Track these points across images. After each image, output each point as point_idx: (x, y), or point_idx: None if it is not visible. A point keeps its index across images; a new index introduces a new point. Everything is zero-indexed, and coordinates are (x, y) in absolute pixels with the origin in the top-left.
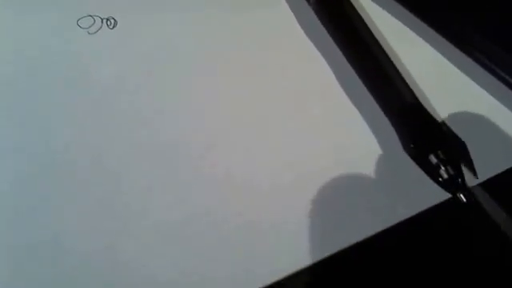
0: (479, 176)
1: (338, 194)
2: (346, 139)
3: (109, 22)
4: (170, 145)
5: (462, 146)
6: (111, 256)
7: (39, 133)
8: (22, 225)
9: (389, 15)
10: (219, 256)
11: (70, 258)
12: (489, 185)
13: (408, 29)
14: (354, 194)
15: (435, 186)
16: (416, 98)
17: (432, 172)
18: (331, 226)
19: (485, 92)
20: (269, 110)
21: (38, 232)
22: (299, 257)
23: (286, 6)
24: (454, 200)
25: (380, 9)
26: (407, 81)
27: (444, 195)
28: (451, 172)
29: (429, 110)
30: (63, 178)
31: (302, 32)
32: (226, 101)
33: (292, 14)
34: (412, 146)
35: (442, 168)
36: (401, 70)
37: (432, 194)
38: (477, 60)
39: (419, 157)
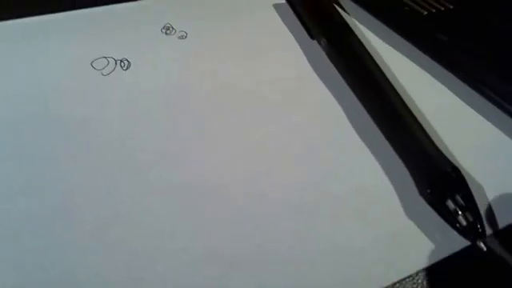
0: (499, 222)
1: (347, 240)
2: (359, 184)
3: (122, 64)
4: (183, 186)
5: None
6: None
7: (48, 175)
8: (29, 263)
9: (401, 55)
10: None
11: None
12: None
13: (419, 67)
14: (367, 241)
15: (454, 233)
16: (432, 142)
17: (450, 218)
18: (342, 275)
19: (501, 133)
20: (281, 152)
21: (45, 271)
22: None
23: (297, 47)
24: (474, 248)
25: (392, 49)
26: (421, 121)
27: (463, 243)
28: (470, 218)
29: (444, 151)
30: (69, 219)
31: (311, 70)
32: (236, 140)
33: (303, 54)
34: (429, 191)
35: (461, 214)
36: (414, 110)
37: (450, 242)
38: (491, 99)
39: (436, 202)
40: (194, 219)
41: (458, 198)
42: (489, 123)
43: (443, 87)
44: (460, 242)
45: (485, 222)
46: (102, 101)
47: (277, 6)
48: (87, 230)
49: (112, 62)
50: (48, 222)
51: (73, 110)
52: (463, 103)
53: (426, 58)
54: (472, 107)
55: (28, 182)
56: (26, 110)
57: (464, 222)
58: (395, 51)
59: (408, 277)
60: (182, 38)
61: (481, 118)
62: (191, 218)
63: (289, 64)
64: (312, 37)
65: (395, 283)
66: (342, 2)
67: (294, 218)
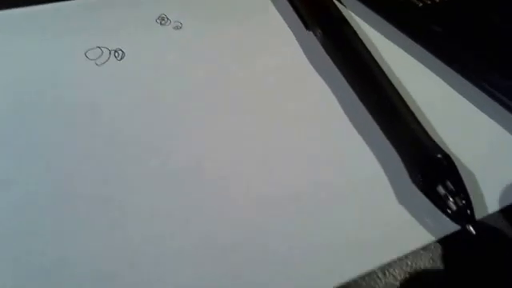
0: (488, 207)
1: (343, 227)
2: (351, 171)
3: (116, 54)
4: (180, 172)
5: None
6: (113, 283)
7: (44, 162)
8: (26, 251)
9: (396, 47)
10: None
11: (71, 284)
12: (497, 217)
13: (414, 59)
14: (361, 226)
15: (444, 217)
16: (423, 129)
17: (441, 204)
18: (336, 259)
19: (493, 121)
20: (277, 140)
21: (41, 259)
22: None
23: (292, 39)
24: (463, 232)
25: (387, 40)
26: (414, 110)
27: (453, 227)
28: (460, 203)
29: (436, 140)
30: (68, 205)
31: (307, 61)
32: (232, 128)
33: (297, 43)
34: (420, 177)
35: (451, 199)
36: (407, 100)
37: (441, 226)
38: (483, 89)
39: (427, 188)
40: (191, 205)
41: (449, 183)
42: (482, 113)
43: (438, 78)
44: (450, 226)
45: (475, 208)
46: (96, 91)
47: None
48: (82, 216)
49: (106, 52)
50: (42, 208)
51: (67, 100)
52: (457, 94)
53: (421, 50)
54: (465, 98)
55: (26, 170)
56: (19, 100)
57: (454, 207)
58: (390, 43)
59: (398, 259)
60: (177, 28)
61: (474, 108)
62: (188, 205)
63: (284, 55)
64: (308, 28)
65: (385, 265)
66: None
67: (288, 204)
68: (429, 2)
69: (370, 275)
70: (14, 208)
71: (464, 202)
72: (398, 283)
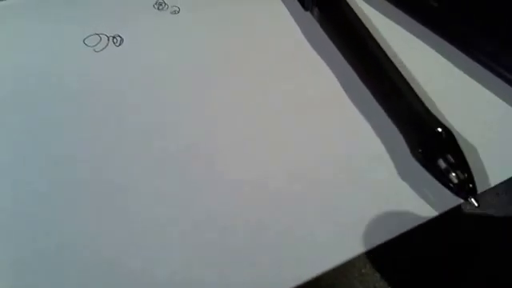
0: (489, 180)
1: (346, 202)
2: (351, 147)
3: (115, 40)
4: (181, 156)
5: None
6: (117, 267)
7: (45, 147)
8: (26, 236)
9: (393, 23)
10: (230, 265)
11: (73, 268)
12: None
13: (412, 35)
14: (363, 201)
15: (446, 191)
16: (422, 104)
17: (442, 177)
18: (340, 234)
19: (492, 95)
20: (277, 119)
21: (43, 242)
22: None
23: (290, 18)
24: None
25: (384, 17)
26: (413, 86)
27: (455, 200)
28: (461, 176)
29: (436, 114)
30: (69, 190)
31: (306, 42)
32: (230, 111)
33: (296, 25)
34: (420, 151)
35: (452, 173)
36: (406, 76)
37: (443, 200)
38: (483, 63)
39: (428, 162)
40: (192, 188)
41: (449, 156)
42: (482, 87)
43: (436, 54)
44: (453, 200)
45: (476, 180)
46: (95, 78)
47: None
48: (83, 201)
49: (104, 38)
50: (42, 193)
51: (66, 87)
52: (456, 68)
53: (418, 26)
54: (465, 72)
55: (27, 154)
56: (18, 89)
57: (455, 180)
58: (388, 20)
59: (401, 234)
60: (174, 13)
61: (474, 82)
62: (190, 188)
63: (283, 35)
64: (306, 8)
65: (387, 241)
66: None
67: (289, 182)
68: None
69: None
70: (14, 194)
71: (465, 175)
72: None
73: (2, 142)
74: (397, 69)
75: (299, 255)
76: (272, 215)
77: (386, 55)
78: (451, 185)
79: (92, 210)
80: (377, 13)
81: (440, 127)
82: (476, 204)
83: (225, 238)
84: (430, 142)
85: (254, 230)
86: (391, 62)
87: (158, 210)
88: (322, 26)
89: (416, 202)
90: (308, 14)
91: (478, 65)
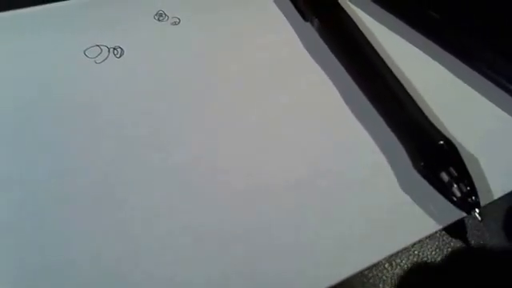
0: (493, 193)
1: (345, 215)
2: (352, 160)
3: (115, 52)
4: (180, 168)
5: None
6: (117, 280)
7: (44, 161)
8: (29, 251)
9: (393, 33)
10: (231, 278)
11: (73, 282)
12: (502, 203)
13: (413, 46)
14: (363, 214)
15: (448, 204)
16: (424, 115)
17: (444, 190)
18: (340, 248)
19: (494, 106)
20: (276, 130)
21: (43, 259)
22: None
23: (290, 29)
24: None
25: (384, 28)
26: (414, 97)
27: (458, 214)
28: (464, 189)
29: (437, 126)
30: (69, 204)
31: (306, 53)
32: (231, 122)
33: (296, 36)
34: (422, 163)
35: (455, 186)
36: (407, 86)
37: (446, 213)
38: (483, 74)
39: (430, 175)
40: (193, 200)
41: (452, 169)
42: (484, 98)
43: (437, 64)
44: (455, 214)
45: (480, 193)
46: (96, 89)
47: None
48: (83, 215)
49: (105, 50)
50: (42, 208)
51: (67, 99)
52: (457, 79)
53: (419, 36)
54: (466, 83)
55: (27, 168)
56: (19, 101)
57: (458, 193)
58: (388, 30)
59: (403, 249)
60: (175, 24)
61: (475, 93)
62: (191, 200)
63: (284, 47)
64: (305, 19)
65: (391, 256)
66: None
67: (289, 195)
68: None
69: (376, 266)
70: (14, 208)
71: (468, 188)
72: (404, 273)
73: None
74: (397, 79)
75: (299, 268)
76: (271, 226)
77: (386, 66)
78: (454, 198)
79: (92, 224)
80: (377, 23)
81: (442, 139)
82: (479, 218)
83: (227, 250)
84: (432, 155)
85: (258, 242)
86: (392, 73)
87: (159, 222)
88: (321, 36)
89: (418, 215)
90: (308, 24)
91: (479, 75)
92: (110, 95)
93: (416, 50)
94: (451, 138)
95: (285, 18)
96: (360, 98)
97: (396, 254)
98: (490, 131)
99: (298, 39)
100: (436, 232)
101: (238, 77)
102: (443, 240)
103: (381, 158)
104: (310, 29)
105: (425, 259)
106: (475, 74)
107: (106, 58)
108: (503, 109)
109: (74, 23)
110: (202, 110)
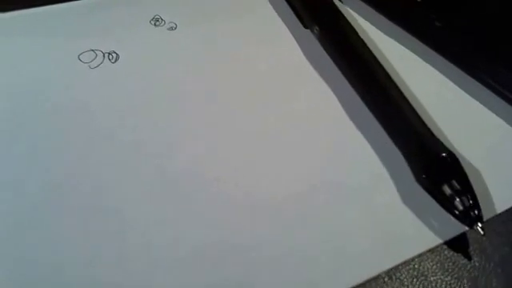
0: (495, 207)
1: (345, 228)
2: (353, 172)
3: (110, 57)
4: (176, 178)
5: None
6: None
7: (38, 167)
8: (22, 259)
9: (395, 42)
10: None
11: None
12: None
13: (415, 55)
14: (363, 226)
15: (451, 218)
16: (427, 127)
17: (447, 204)
18: (339, 264)
19: (497, 117)
20: (276, 139)
21: (37, 267)
22: None
23: (289, 36)
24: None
25: (385, 36)
26: (416, 108)
27: (460, 228)
28: (467, 203)
29: (440, 137)
30: (63, 213)
31: (306, 60)
32: (229, 129)
33: (296, 43)
34: (424, 176)
35: (457, 199)
36: (409, 97)
37: (447, 228)
38: (486, 84)
39: (432, 187)
40: (189, 210)
41: (454, 182)
42: (487, 110)
43: (439, 74)
44: (457, 227)
45: (482, 207)
46: (90, 94)
47: None
48: (77, 223)
49: (100, 54)
50: (37, 216)
51: (60, 104)
52: (460, 90)
53: (421, 45)
54: (468, 94)
55: (20, 175)
56: (11, 105)
57: (460, 207)
58: (390, 39)
59: (403, 263)
60: (171, 29)
61: (478, 104)
62: (187, 209)
63: (283, 54)
64: (305, 26)
65: (391, 269)
66: None
67: (288, 206)
68: None
69: (376, 280)
70: (8, 215)
71: (471, 201)
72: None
73: None
74: (399, 89)
75: (299, 281)
76: (270, 238)
77: (387, 75)
78: (456, 212)
79: (87, 232)
80: (378, 31)
81: (445, 152)
82: (482, 232)
83: (225, 262)
84: (434, 168)
85: (255, 254)
86: (393, 82)
87: (156, 233)
88: (322, 43)
89: (419, 228)
90: (308, 31)
91: (482, 86)
92: (104, 101)
93: (418, 59)
94: (453, 150)
95: (284, 25)
96: (361, 108)
97: (396, 268)
98: (493, 144)
99: (298, 46)
100: (437, 246)
101: (237, 84)
102: (444, 254)
103: (382, 170)
104: (310, 36)
105: (425, 273)
106: (479, 85)
107: (101, 63)
108: (506, 120)
109: (69, 27)
110: (199, 118)
